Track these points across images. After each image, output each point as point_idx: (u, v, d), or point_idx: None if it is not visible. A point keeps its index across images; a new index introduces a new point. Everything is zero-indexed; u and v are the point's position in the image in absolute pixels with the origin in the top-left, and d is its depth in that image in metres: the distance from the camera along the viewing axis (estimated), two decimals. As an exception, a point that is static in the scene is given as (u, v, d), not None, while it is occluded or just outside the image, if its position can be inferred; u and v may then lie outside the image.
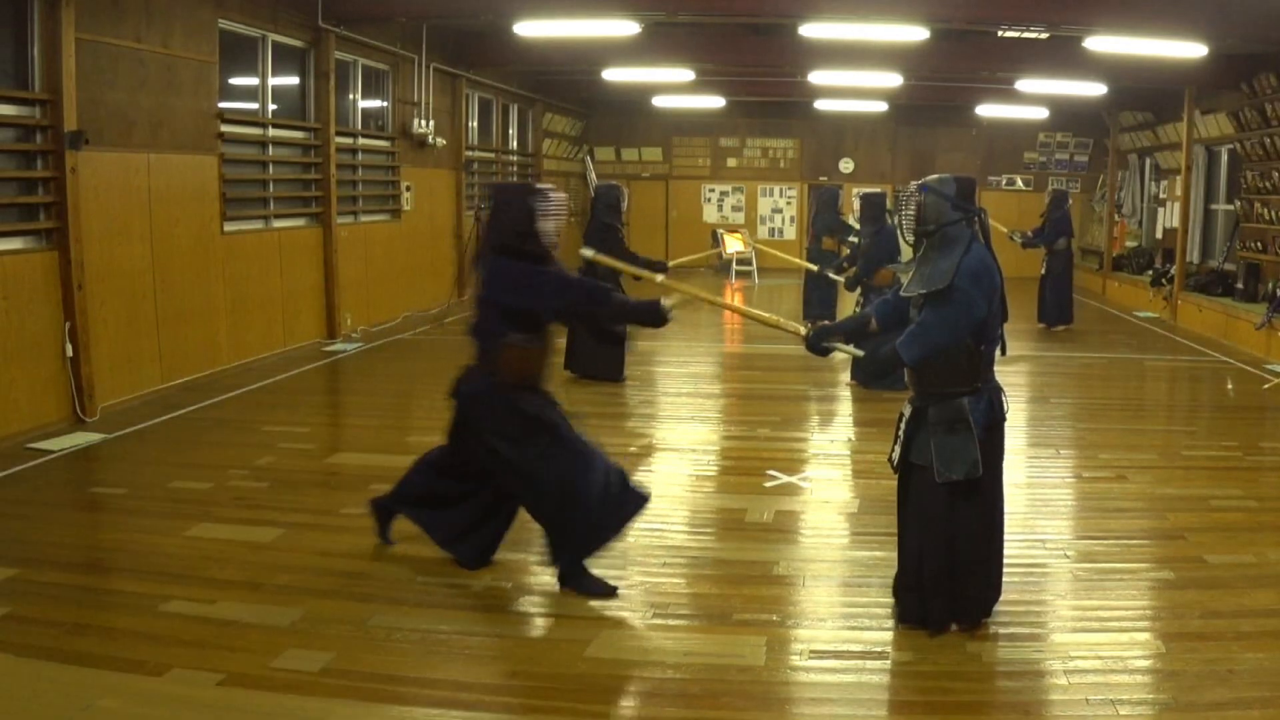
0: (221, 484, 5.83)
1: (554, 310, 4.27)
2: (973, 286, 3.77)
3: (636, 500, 4.40)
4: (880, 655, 3.86)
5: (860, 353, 4.28)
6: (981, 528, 3.92)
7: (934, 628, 3.93)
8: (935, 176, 4.02)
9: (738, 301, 15.04)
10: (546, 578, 4.52)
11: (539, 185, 4.42)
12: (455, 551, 4.55)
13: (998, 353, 4.03)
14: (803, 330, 4.22)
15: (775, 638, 3.97)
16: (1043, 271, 12.53)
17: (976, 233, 3.94)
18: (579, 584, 4.32)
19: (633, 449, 6.71)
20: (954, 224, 3.89)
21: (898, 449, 4.05)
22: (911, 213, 3.96)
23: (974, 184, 4.03)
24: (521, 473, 4.28)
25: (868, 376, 8.32)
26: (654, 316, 4.37)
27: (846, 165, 20.04)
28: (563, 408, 4.45)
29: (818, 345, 4.20)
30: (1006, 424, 4.01)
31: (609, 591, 4.30)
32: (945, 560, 3.89)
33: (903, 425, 4.04)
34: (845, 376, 9.00)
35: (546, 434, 4.27)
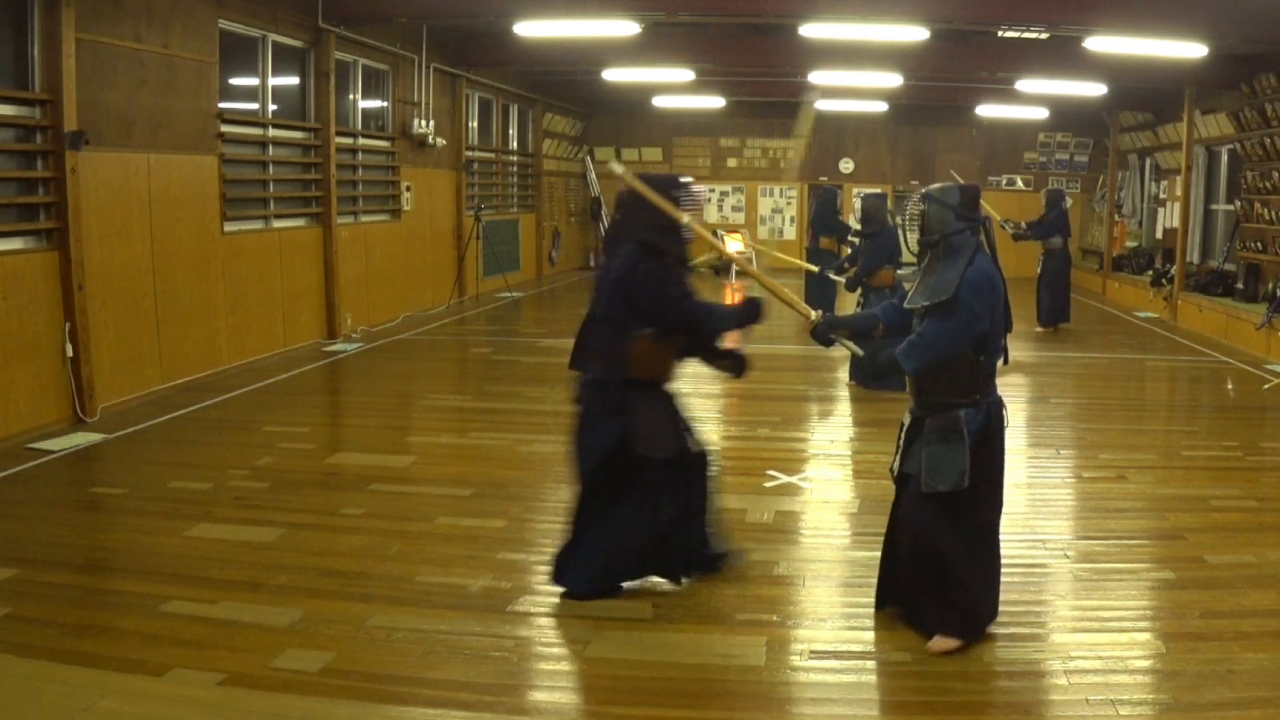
0: (221, 484, 5.83)
1: (668, 331, 4.20)
2: (975, 299, 3.72)
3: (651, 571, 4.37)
4: (880, 655, 3.86)
5: (861, 352, 4.26)
6: (969, 542, 3.81)
7: (921, 629, 3.88)
8: (938, 185, 3.94)
9: (739, 299, 15.01)
10: (546, 577, 4.52)
11: (682, 179, 4.33)
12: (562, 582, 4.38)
13: (1000, 363, 3.94)
14: (812, 315, 4.15)
15: (775, 638, 3.98)
16: (1038, 271, 12.52)
17: (981, 242, 3.87)
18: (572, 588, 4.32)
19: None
20: (958, 234, 3.82)
21: (898, 459, 4.02)
22: (915, 223, 3.89)
23: (978, 192, 3.96)
24: (597, 480, 4.23)
25: (866, 378, 8.33)
26: (738, 368, 4.39)
27: (846, 165, 20.03)
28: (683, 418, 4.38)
29: (824, 335, 4.14)
30: (1006, 429, 3.94)
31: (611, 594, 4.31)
32: (934, 571, 3.83)
33: (902, 434, 4.01)
34: (844, 376, 9.00)
35: (645, 461, 4.19)
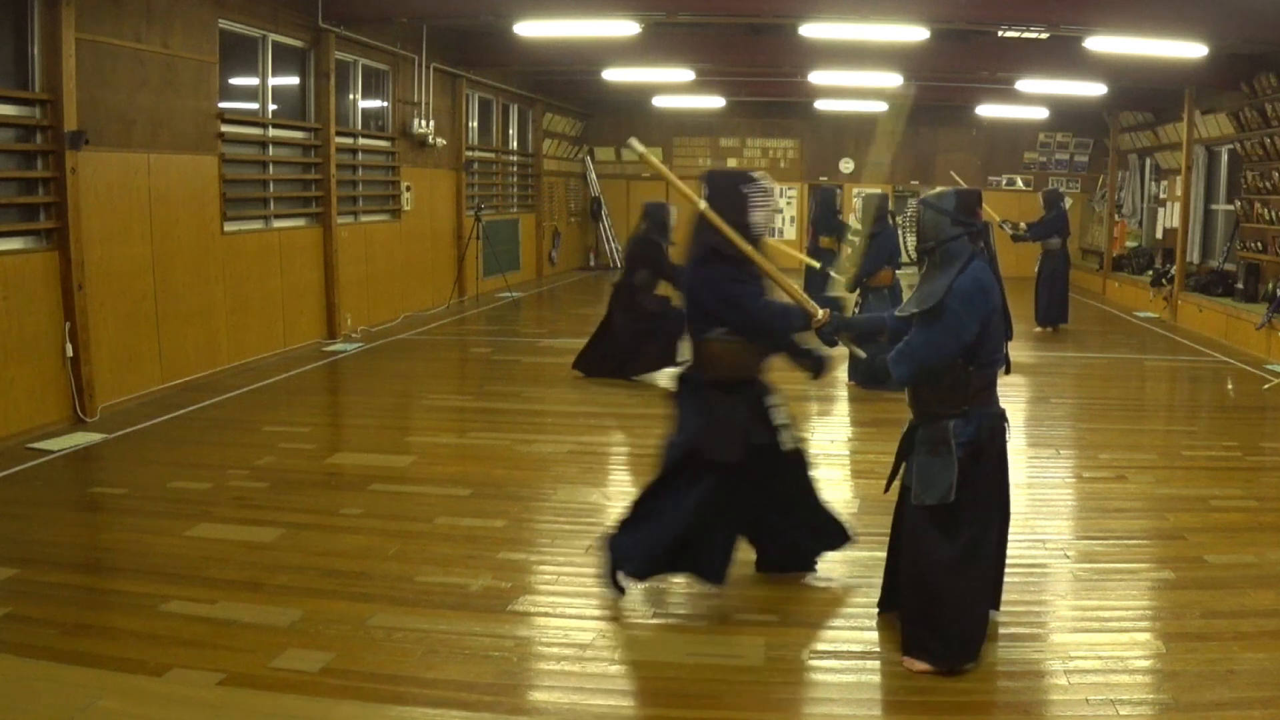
0: (221, 484, 5.83)
1: (735, 331, 4.20)
2: (963, 307, 3.61)
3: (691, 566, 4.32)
4: (880, 655, 3.86)
5: (864, 354, 4.24)
6: (956, 559, 3.68)
7: (906, 652, 3.76)
8: (935, 191, 3.86)
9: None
10: (546, 577, 4.54)
11: (752, 174, 4.27)
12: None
13: (1001, 371, 3.85)
14: (819, 314, 4.11)
15: (775, 638, 3.97)
16: (1036, 270, 12.52)
17: (980, 249, 3.77)
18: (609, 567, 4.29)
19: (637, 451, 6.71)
20: (955, 240, 3.73)
21: (896, 468, 3.97)
22: (913, 226, 3.82)
23: (977, 197, 3.85)
24: (672, 467, 4.23)
25: (865, 379, 8.33)
26: (817, 368, 4.34)
27: (846, 165, 20.04)
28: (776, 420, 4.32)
29: (829, 336, 4.12)
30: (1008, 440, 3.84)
31: (617, 590, 4.29)
32: (922, 586, 3.73)
33: (901, 444, 3.96)
34: (844, 376, 8.99)
35: (711, 460, 4.15)
